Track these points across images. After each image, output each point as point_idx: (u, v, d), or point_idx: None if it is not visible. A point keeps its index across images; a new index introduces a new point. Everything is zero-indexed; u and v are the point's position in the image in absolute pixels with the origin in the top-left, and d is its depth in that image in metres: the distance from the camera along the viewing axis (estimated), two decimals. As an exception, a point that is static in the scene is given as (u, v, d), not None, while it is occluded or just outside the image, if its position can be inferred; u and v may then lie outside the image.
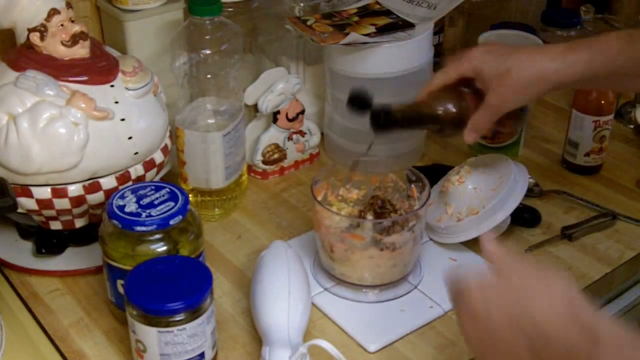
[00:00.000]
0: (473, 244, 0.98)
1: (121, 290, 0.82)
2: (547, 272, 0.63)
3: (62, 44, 0.89)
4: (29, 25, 0.88)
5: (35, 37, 0.88)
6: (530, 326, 0.60)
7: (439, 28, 1.35)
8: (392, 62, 1.07)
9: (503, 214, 0.95)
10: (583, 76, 0.87)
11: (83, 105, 0.86)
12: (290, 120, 1.12)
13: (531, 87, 0.88)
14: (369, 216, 0.94)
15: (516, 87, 0.87)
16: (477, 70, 0.90)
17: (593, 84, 1.00)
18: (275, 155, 1.13)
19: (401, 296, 0.92)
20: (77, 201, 0.90)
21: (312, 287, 0.91)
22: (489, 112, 0.90)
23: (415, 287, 0.93)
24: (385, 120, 0.91)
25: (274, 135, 1.12)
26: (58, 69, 0.88)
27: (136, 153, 0.92)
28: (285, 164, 1.15)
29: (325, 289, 0.92)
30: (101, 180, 0.90)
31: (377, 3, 1.16)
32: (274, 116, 1.11)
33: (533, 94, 0.89)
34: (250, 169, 1.14)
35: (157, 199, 0.84)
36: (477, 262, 0.97)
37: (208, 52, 0.99)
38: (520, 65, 0.87)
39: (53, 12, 0.88)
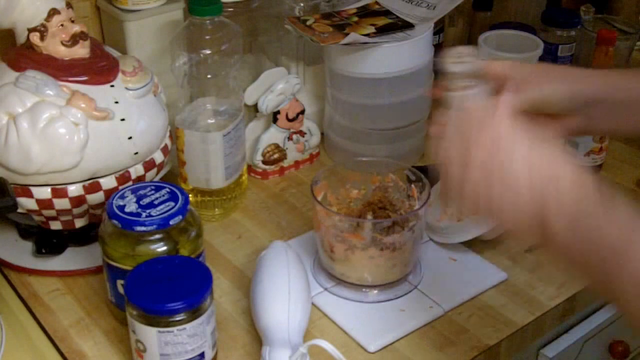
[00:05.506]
0: (473, 244, 0.98)
1: (121, 290, 0.82)
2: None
3: (62, 44, 0.89)
4: (29, 25, 0.88)
5: (35, 37, 0.88)
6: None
7: (439, 28, 1.35)
8: (392, 62, 1.07)
9: (503, 214, 0.95)
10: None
11: (83, 105, 0.86)
12: (290, 120, 1.12)
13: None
14: (369, 216, 0.94)
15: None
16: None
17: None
18: (275, 155, 1.13)
19: (401, 296, 0.92)
20: (77, 201, 0.90)
21: (312, 287, 0.91)
22: None
23: (415, 287, 0.93)
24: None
25: (274, 135, 1.12)
26: (58, 69, 0.88)
27: (136, 153, 0.92)
28: (285, 164, 1.15)
29: (325, 289, 0.92)
30: (101, 180, 0.90)
31: (377, 3, 1.16)
32: (274, 116, 1.11)
33: None
34: (250, 169, 1.14)
35: (157, 199, 0.84)
36: (477, 261, 0.97)
37: (208, 52, 0.99)
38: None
39: (53, 12, 0.88)
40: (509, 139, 0.65)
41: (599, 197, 0.61)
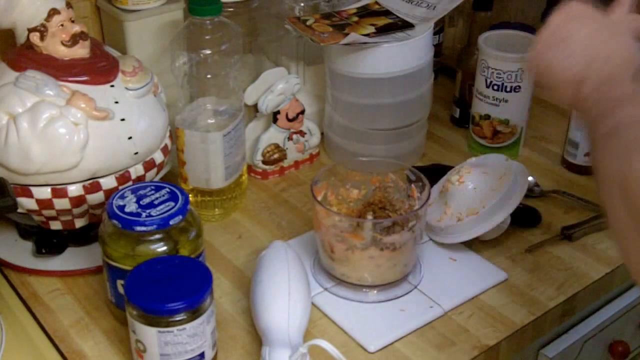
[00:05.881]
0: (473, 244, 0.98)
1: (121, 290, 0.83)
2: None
3: (62, 44, 0.89)
4: (29, 25, 0.89)
5: (35, 37, 0.88)
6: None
7: (439, 28, 1.35)
8: (392, 62, 1.07)
9: (503, 214, 0.95)
10: None
11: (83, 105, 0.86)
12: (290, 120, 1.12)
13: None
14: (369, 216, 0.94)
15: None
16: None
17: None
18: (275, 155, 1.13)
19: (401, 296, 0.92)
20: (77, 201, 0.90)
21: (312, 287, 0.91)
22: None
23: (415, 287, 0.93)
24: None
25: (274, 135, 1.12)
26: (58, 69, 0.88)
27: (136, 153, 0.92)
28: (285, 164, 1.15)
29: (325, 289, 0.92)
30: (101, 180, 0.90)
31: (377, 3, 1.16)
32: (274, 116, 1.11)
33: None
34: (250, 169, 1.14)
35: (157, 199, 0.84)
36: (477, 261, 0.97)
37: (208, 52, 0.99)
38: None
39: (53, 12, 0.88)
40: (585, 15, 0.75)
41: (635, 77, 0.68)
